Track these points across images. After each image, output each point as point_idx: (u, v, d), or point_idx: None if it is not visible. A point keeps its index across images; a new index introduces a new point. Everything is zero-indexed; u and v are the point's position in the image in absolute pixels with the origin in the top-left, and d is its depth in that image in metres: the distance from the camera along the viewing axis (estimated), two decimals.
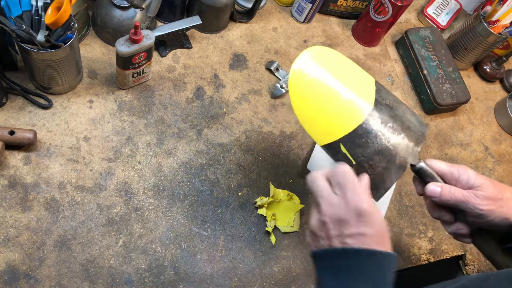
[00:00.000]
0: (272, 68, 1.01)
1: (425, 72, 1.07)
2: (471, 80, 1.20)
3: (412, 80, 1.12)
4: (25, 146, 0.79)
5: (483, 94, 1.18)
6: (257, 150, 0.92)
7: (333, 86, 0.67)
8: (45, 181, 0.78)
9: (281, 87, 0.98)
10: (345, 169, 0.59)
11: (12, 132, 0.76)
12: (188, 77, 0.95)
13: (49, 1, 0.73)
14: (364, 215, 0.55)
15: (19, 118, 0.82)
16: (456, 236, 0.68)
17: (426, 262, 0.91)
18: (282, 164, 0.91)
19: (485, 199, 0.61)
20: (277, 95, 0.98)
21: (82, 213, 0.77)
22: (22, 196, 0.76)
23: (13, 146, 0.78)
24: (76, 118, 0.85)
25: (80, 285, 0.72)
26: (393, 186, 0.95)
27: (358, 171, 0.65)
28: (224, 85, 0.97)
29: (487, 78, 1.20)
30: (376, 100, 0.68)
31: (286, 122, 0.97)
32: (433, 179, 0.65)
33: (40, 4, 0.73)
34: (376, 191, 0.66)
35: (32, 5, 0.73)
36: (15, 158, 0.78)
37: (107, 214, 0.78)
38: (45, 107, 0.83)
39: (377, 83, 0.71)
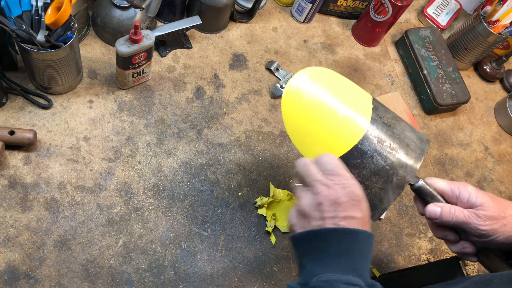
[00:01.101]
0: (272, 68, 1.01)
1: (425, 72, 1.07)
2: (471, 80, 1.20)
3: (412, 80, 1.12)
4: (25, 146, 0.79)
5: (483, 94, 1.18)
6: (257, 150, 0.92)
7: (328, 106, 0.67)
8: (45, 181, 0.78)
9: (281, 87, 0.98)
10: (332, 157, 0.60)
11: (12, 132, 0.76)
12: (188, 77, 0.96)
13: (49, 1, 0.73)
14: (357, 199, 0.56)
15: (19, 118, 0.82)
16: (462, 255, 0.66)
17: (426, 262, 0.91)
18: (282, 164, 0.91)
19: (487, 219, 0.60)
20: (277, 95, 0.98)
21: (82, 213, 0.77)
22: (22, 196, 0.76)
23: (13, 146, 0.78)
24: (76, 118, 0.85)
25: (80, 285, 0.72)
26: None
27: None
28: (224, 85, 0.97)
29: (487, 78, 1.20)
30: (372, 119, 0.67)
31: None
32: (433, 198, 0.64)
33: (40, 4, 0.73)
34: (374, 211, 0.65)
35: (32, 5, 0.73)
36: (15, 158, 0.78)
37: (107, 214, 0.78)
38: (45, 107, 0.83)
39: (374, 100, 0.70)
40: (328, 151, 0.65)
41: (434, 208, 0.63)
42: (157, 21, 1.00)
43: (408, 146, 0.66)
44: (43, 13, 0.73)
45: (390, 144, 0.65)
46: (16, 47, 0.79)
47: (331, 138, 0.66)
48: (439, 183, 0.65)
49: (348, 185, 0.56)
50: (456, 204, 0.63)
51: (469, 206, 0.62)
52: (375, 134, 0.65)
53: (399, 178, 0.64)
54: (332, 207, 0.55)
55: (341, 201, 0.55)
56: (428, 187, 0.64)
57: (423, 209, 0.65)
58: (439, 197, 0.64)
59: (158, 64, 0.95)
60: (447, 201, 0.64)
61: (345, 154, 0.65)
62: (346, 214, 0.55)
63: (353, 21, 1.16)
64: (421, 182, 0.64)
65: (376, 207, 0.65)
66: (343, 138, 0.65)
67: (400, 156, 0.65)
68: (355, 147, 0.64)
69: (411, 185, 0.65)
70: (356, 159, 0.65)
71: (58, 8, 0.71)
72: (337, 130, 0.66)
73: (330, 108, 0.67)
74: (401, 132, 0.67)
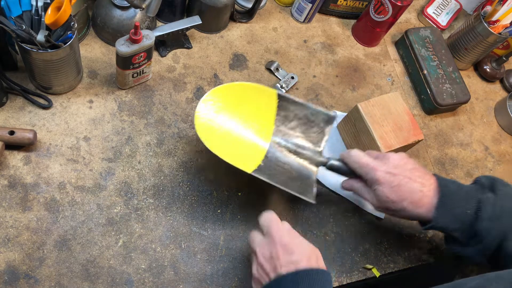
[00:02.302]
0: (272, 68, 1.01)
1: (425, 72, 1.07)
2: (471, 80, 1.20)
3: (412, 80, 1.12)
4: (25, 146, 0.79)
5: (483, 94, 1.18)
6: None
7: (232, 133, 0.79)
8: (45, 181, 0.78)
9: (281, 87, 0.98)
10: (267, 214, 0.67)
11: (12, 132, 0.76)
12: (188, 77, 0.96)
13: (49, 1, 0.73)
14: (288, 246, 0.61)
15: (19, 118, 0.82)
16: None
17: (426, 262, 0.91)
18: None
19: (384, 209, 0.73)
20: None
21: (82, 213, 0.77)
22: (22, 196, 0.76)
23: (13, 146, 0.78)
24: (76, 118, 0.85)
25: (80, 285, 0.72)
26: None
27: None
28: None
29: (487, 78, 1.20)
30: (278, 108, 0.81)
31: None
32: (339, 170, 0.79)
33: (40, 4, 0.73)
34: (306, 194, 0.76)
35: (32, 5, 0.73)
36: (15, 158, 0.78)
37: (107, 214, 0.78)
38: (45, 107, 0.83)
39: (279, 95, 0.80)
40: (251, 158, 0.77)
41: (347, 184, 0.79)
42: (157, 21, 1.00)
43: (310, 132, 0.82)
44: (43, 13, 0.73)
45: (296, 130, 0.81)
46: (16, 47, 0.79)
47: (248, 150, 0.79)
48: (360, 161, 0.73)
49: (277, 236, 0.62)
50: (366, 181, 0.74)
51: (374, 191, 0.72)
52: (282, 121, 0.81)
53: (312, 162, 0.81)
54: (269, 261, 0.62)
55: (274, 253, 0.61)
56: (337, 163, 0.78)
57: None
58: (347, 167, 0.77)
59: (158, 64, 0.95)
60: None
61: (261, 163, 0.75)
62: (283, 262, 0.60)
63: (353, 21, 1.16)
64: (331, 162, 0.78)
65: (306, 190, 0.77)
66: (252, 156, 0.78)
67: (308, 137, 0.82)
68: (265, 157, 0.77)
69: (324, 164, 0.79)
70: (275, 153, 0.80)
71: (58, 8, 0.71)
72: (245, 153, 0.78)
73: (235, 135, 0.79)
74: (306, 114, 0.81)
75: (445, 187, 0.69)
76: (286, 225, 0.65)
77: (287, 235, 0.63)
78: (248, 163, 0.75)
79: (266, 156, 0.78)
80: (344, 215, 0.90)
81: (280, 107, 0.80)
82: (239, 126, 0.79)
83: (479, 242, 0.67)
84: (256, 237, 0.66)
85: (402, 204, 0.69)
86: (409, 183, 0.69)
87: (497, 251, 0.67)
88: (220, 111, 0.78)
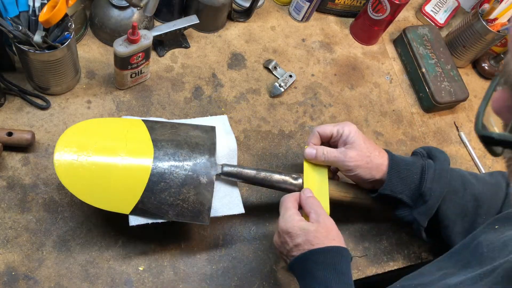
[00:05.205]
0: (270, 67, 1.01)
1: (424, 70, 1.07)
2: (470, 78, 1.20)
3: (410, 78, 1.12)
4: (24, 147, 0.79)
5: (482, 91, 1.18)
6: (255, 149, 0.92)
7: (104, 164, 0.68)
8: (43, 181, 0.78)
9: (280, 86, 0.98)
10: (282, 199, 0.73)
11: (10, 133, 0.76)
12: (186, 76, 0.95)
13: (46, 1, 0.73)
14: (289, 232, 0.67)
15: (17, 119, 0.81)
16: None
17: (426, 260, 0.91)
18: (281, 163, 0.91)
19: (352, 159, 0.74)
20: (275, 94, 0.98)
21: (81, 214, 0.77)
22: (21, 197, 0.76)
23: (12, 147, 0.78)
24: (75, 119, 0.84)
25: (80, 285, 0.72)
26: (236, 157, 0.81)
27: (170, 211, 0.69)
28: (222, 84, 0.97)
29: (485, 75, 1.20)
30: (153, 141, 0.70)
31: (284, 121, 0.97)
32: (237, 176, 0.73)
33: (37, 4, 0.73)
34: (202, 215, 0.70)
35: (29, 6, 0.73)
36: (14, 159, 0.78)
37: (106, 214, 0.78)
38: (43, 108, 0.83)
39: (146, 122, 0.73)
40: (131, 194, 0.68)
41: (310, 150, 0.78)
42: (155, 21, 1.00)
43: (197, 145, 0.72)
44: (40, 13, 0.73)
45: (181, 152, 0.70)
46: (14, 48, 0.79)
47: (126, 182, 0.68)
48: (326, 128, 0.78)
49: (281, 226, 0.69)
50: (338, 141, 0.77)
51: (346, 142, 0.76)
52: (163, 153, 0.70)
53: (205, 176, 0.70)
54: (282, 247, 0.70)
55: (283, 240, 0.69)
56: (233, 169, 0.73)
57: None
58: (246, 171, 0.73)
59: (156, 64, 0.95)
60: (334, 141, 0.79)
61: (146, 186, 0.67)
62: (291, 246, 0.67)
63: (351, 20, 1.16)
64: (225, 169, 0.72)
65: (201, 212, 0.70)
66: (136, 174, 0.68)
67: (195, 157, 0.71)
68: (152, 175, 0.68)
69: (219, 175, 0.72)
70: (160, 183, 0.68)
71: (54, 7, 0.71)
72: (126, 174, 0.68)
73: (107, 164, 0.68)
74: (185, 135, 0.73)
75: (393, 156, 0.77)
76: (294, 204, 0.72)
77: (288, 221, 0.69)
78: (124, 203, 0.68)
79: (147, 189, 0.68)
80: (343, 214, 0.90)
81: (152, 135, 0.71)
82: (110, 163, 0.68)
83: (424, 203, 0.75)
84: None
85: (370, 158, 0.75)
86: (372, 143, 0.78)
87: (436, 212, 0.76)
88: (82, 150, 0.68)
